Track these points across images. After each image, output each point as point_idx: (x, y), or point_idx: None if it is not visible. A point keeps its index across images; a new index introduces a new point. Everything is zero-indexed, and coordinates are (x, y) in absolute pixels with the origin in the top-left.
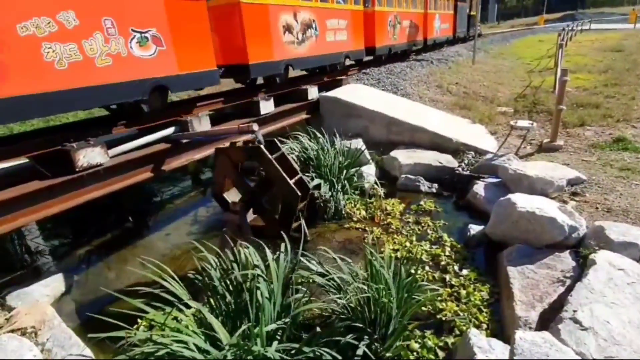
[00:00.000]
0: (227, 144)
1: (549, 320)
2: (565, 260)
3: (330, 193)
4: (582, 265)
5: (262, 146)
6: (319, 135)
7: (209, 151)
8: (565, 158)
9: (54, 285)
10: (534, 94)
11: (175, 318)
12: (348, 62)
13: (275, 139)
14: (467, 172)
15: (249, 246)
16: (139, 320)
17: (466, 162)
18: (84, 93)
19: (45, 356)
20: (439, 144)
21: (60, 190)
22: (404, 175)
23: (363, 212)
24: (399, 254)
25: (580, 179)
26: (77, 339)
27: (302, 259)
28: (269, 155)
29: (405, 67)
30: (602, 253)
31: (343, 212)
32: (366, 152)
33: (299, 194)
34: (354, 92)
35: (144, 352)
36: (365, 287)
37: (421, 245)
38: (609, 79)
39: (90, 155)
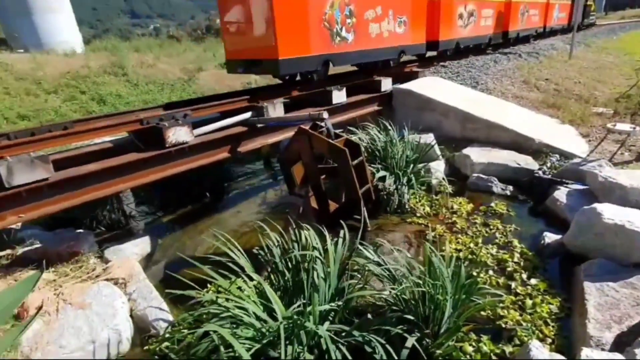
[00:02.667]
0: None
1: (625, 344)
2: None
3: (394, 186)
4: None
5: (346, 151)
6: (388, 127)
7: (281, 136)
8: None
9: (142, 245)
10: None
11: (240, 288)
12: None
13: (360, 144)
14: (549, 176)
15: (310, 229)
16: (209, 285)
17: (548, 165)
18: (378, 52)
19: (131, 305)
20: (519, 143)
21: (152, 162)
22: (475, 175)
23: (427, 208)
24: (461, 254)
25: None
26: (156, 294)
27: (359, 247)
28: (350, 163)
29: (488, 61)
30: None
31: (407, 206)
32: (436, 148)
33: (363, 204)
34: (429, 85)
35: (210, 312)
36: (421, 282)
37: (487, 249)
38: None
39: (179, 134)
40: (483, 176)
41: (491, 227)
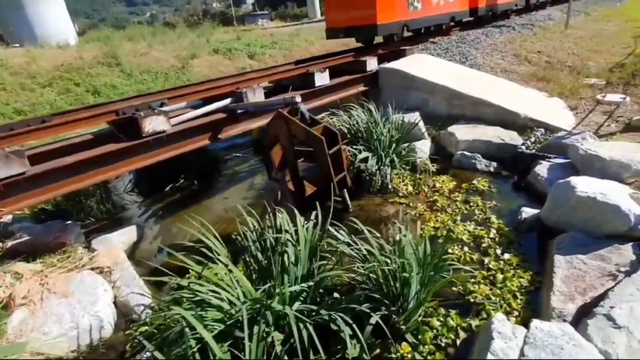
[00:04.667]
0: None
1: (587, 315)
2: (624, 254)
3: (377, 167)
4: None
5: (323, 140)
6: (370, 107)
7: (264, 121)
8: None
9: (128, 234)
10: (636, 62)
11: (217, 273)
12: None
13: (338, 132)
14: (532, 151)
15: (283, 212)
16: (191, 271)
17: (532, 140)
18: (438, 17)
19: (115, 292)
20: (505, 119)
21: (130, 152)
22: (459, 152)
23: (410, 188)
24: (439, 232)
25: None
26: (140, 280)
27: (330, 228)
28: (327, 151)
29: (480, 34)
30: None
31: (390, 187)
32: (421, 126)
33: (337, 192)
34: (416, 63)
35: (182, 296)
36: (389, 260)
37: (464, 226)
38: None
39: (155, 123)
40: (467, 153)
41: (471, 204)
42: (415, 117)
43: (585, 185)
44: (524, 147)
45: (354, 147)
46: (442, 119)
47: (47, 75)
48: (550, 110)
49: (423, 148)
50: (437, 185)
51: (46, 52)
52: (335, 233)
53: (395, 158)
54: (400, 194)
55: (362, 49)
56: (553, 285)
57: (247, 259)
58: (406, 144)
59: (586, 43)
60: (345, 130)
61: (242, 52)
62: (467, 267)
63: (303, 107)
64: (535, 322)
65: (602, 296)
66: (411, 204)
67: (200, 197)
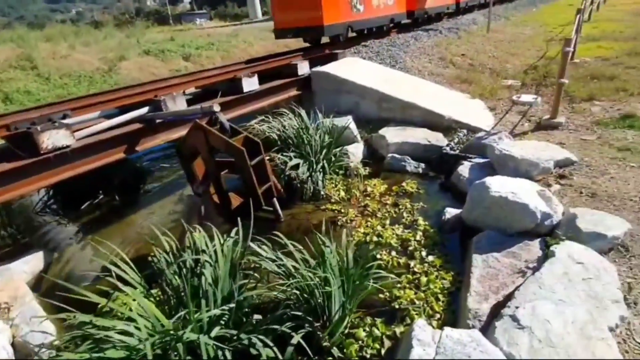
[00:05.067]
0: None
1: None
2: (532, 250)
3: (308, 173)
4: (548, 256)
5: (244, 152)
6: (301, 112)
7: (186, 131)
8: (563, 137)
9: (34, 262)
10: (546, 65)
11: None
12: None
13: (259, 142)
14: (453, 152)
15: (201, 230)
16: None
17: (456, 140)
18: (379, 19)
19: (13, 331)
20: (431, 121)
21: (27, 172)
22: (390, 155)
23: (342, 193)
24: (369, 237)
25: (570, 160)
26: (43, 316)
27: (252, 244)
28: (249, 163)
29: (409, 38)
30: (565, 244)
31: (322, 193)
32: (354, 130)
33: (263, 203)
34: (348, 67)
35: (85, 334)
36: (311, 275)
37: (393, 229)
38: (634, 47)
39: (56, 137)
40: (397, 156)
41: (400, 207)
42: (348, 120)
43: (498, 185)
44: (448, 148)
45: (284, 154)
46: (374, 121)
47: None
48: (472, 111)
49: (356, 152)
50: (369, 189)
51: None
52: (257, 249)
53: (326, 164)
54: (333, 200)
55: (296, 51)
56: (470, 286)
57: (164, 284)
58: (338, 149)
59: (505, 46)
60: (276, 137)
61: (176, 53)
62: (392, 275)
63: (222, 116)
64: (446, 330)
65: (511, 295)
66: (343, 210)
67: (123, 213)
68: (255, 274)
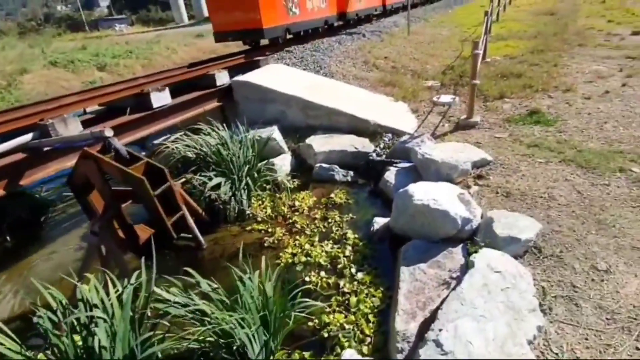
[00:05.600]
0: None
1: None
2: (455, 257)
3: (230, 193)
4: (469, 267)
5: (145, 181)
6: (218, 126)
7: None
8: (479, 136)
9: None
10: (462, 64)
11: None
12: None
13: (164, 168)
14: (380, 158)
15: (92, 278)
16: None
17: (382, 145)
18: (314, 21)
19: None
20: (357, 127)
21: None
22: (318, 165)
23: (269, 211)
24: (297, 258)
25: (485, 160)
26: None
27: (155, 289)
28: (151, 193)
29: (333, 42)
30: (483, 253)
31: (248, 212)
32: (280, 141)
33: (175, 236)
34: (271, 74)
35: None
36: (228, 316)
37: (322, 246)
38: (536, 45)
39: None
40: (325, 165)
41: (330, 220)
42: (273, 131)
43: (421, 192)
44: (374, 154)
45: (203, 174)
46: (302, 130)
47: None
48: (396, 114)
49: (282, 164)
50: (297, 203)
51: None
52: (164, 293)
53: (251, 181)
54: (260, 219)
55: (213, 59)
56: (398, 303)
57: (50, 349)
58: (263, 162)
59: (424, 48)
60: (194, 156)
61: (89, 63)
62: (318, 303)
63: (117, 141)
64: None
65: (435, 314)
66: (270, 230)
67: (18, 254)
68: (165, 322)
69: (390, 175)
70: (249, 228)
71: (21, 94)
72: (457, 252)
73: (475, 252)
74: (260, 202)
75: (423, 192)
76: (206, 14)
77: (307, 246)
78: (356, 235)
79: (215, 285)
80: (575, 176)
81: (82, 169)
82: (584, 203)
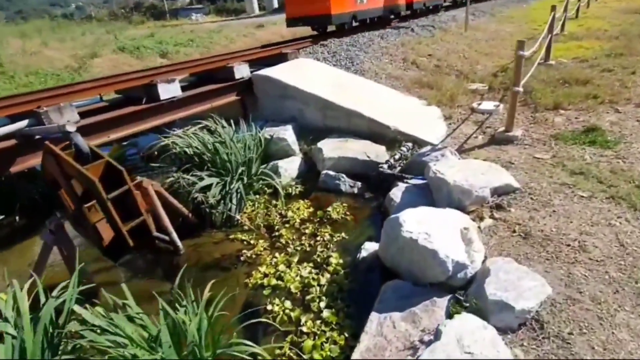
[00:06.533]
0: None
1: None
2: (436, 312)
3: (219, 196)
4: (437, 337)
5: (96, 183)
6: (221, 123)
7: None
8: (515, 154)
9: None
10: None
11: None
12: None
13: (123, 170)
14: (390, 171)
15: (16, 286)
16: None
17: (397, 156)
18: (381, 10)
19: None
20: (376, 132)
21: None
22: (324, 172)
23: (260, 219)
24: (267, 280)
25: (511, 187)
26: None
27: (76, 307)
28: (104, 196)
29: (376, 36)
30: (460, 319)
31: (237, 218)
32: (291, 142)
33: (131, 244)
34: (296, 70)
35: None
36: (147, 355)
37: (299, 269)
38: (616, 47)
39: None
40: (332, 173)
41: (319, 237)
42: (286, 130)
43: (413, 222)
44: (385, 166)
45: (194, 174)
46: (318, 131)
47: None
48: (424, 120)
49: (289, 167)
50: (290, 214)
51: None
52: (83, 312)
53: (244, 184)
54: (246, 228)
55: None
56: None
57: None
58: (264, 165)
59: (480, 45)
60: (192, 153)
61: (153, 50)
62: (257, 349)
63: (79, 138)
64: None
65: None
66: (252, 241)
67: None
68: (86, 344)
69: (396, 192)
70: (232, 236)
71: (89, 75)
72: (441, 305)
73: (457, 313)
74: (253, 208)
75: (415, 222)
76: (275, 5)
77: (282, 267)
78: (340, 261)
79: (144, 316)
80: (624, 221)
81: (46, 164)
82: (626, 262)
